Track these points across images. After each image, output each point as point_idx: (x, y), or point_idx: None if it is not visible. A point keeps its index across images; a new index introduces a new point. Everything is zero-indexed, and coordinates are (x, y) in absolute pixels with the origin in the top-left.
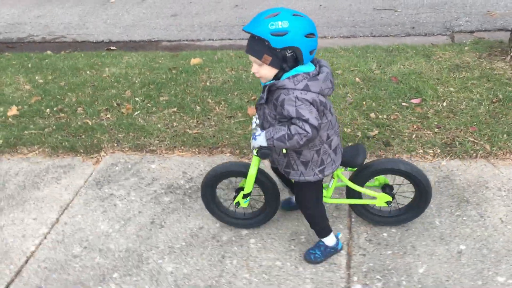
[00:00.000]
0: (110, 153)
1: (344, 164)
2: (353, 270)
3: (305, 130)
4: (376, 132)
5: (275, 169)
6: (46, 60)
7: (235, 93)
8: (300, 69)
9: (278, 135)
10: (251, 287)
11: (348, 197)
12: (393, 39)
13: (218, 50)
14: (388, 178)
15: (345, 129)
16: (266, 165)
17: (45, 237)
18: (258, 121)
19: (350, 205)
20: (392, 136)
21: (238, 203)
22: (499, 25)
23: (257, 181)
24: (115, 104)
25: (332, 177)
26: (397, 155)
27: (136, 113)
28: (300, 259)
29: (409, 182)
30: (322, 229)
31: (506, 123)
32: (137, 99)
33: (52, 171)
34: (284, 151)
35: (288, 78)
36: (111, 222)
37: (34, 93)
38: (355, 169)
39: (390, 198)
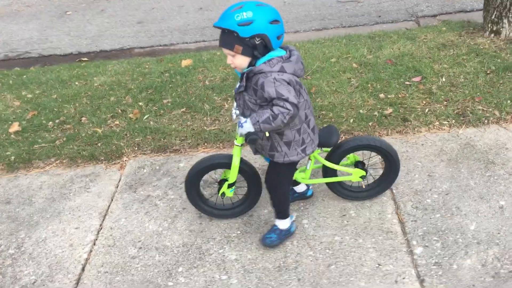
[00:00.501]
0: (132, 157)
1: (320, 145)
2: (410, 236)
3: (286, 108)
4: (391, 110)
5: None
6: (24, 76)
7: None
8: (273, 53)
9: (263, 118)
10: (318, 262)
11: (324, 176)
12: (363, 28)
13: (195, 52)
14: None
15: (360, 111)
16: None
17: (94, 244)
18: (237, 111)
19: (327, 184)
20: (406, 112)
21: (223, 194)
22: (457, 7)
23: (240, 170)
24: (119, 111)
25: (309, 158)
26: (416, 129)
27: (146, 116)
28: (357, 232)
29: (378, 156)
30: (284, 210)
31: (505, 90)
32: (140, 103)
33: (77, 181)
34: (267, 134)
35: (264, 63)
36: (158, 221)
37: (28, 109)
38: (329, 149)
39: (364, 173)
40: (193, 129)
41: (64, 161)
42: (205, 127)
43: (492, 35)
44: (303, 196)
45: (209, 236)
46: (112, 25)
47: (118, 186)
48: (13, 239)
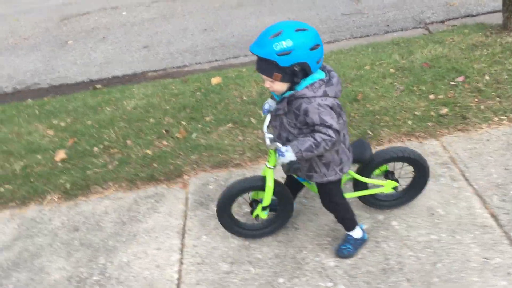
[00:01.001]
0: (193, 175)
1: (354, 161)
2: (507, 228)
3: (329, 135)
4: (446, 110)
5: (287, 177)
6: (47, 106)
7: None
8: (314, 77)
9: (305, 146)
10: (422, 262)
11: (355, 189)
12: (374, 38)
13: (216, 71)
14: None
15: (415, 112)
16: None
17: (181, 263)
18: (270, 136)
19: (359, 197)
20: (463, 110)
21: (257, 216)
22: (463, 12)
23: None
24: (163, 131)
25: None
26: (476, 125)
27: (194, 135)
28: (452, 229)
29: (408, 164)
30: (350, 221)
31: None
32: (182, 123)
33: (143, 203)
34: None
35: (306, 87)
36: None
37: (65, 137)
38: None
39: (396, 184)
40: (248, 143)
41: (123, 184)
42: (259, 140)
43: None
44: None
45: (300, 246)
46: (117, 51)
47: (187, 204)
48: (94, 265)
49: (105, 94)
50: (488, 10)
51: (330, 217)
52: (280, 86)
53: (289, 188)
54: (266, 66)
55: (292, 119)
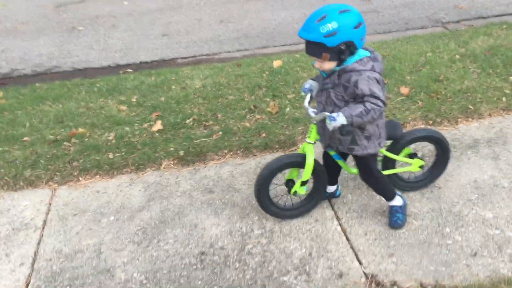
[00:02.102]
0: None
1: (387, 137)
2: None
3: (378, 105)
4: None
5: (325, 157)
6: (99, 85)
7: None
8: (361, 53)
9: (356, 112)
10: None
11: (384, 169)
12: (398, 34)
13: (245, 59)
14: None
15: (505, 91)
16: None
17: (337, 218)
18: (314, 110)
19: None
20: None
21: (295, 192)
22: (474, 14)
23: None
24: (252, 107)
25: None
26: None
27: (287, 109)
28: None
29: (432, 145)
30: (390, 191)
31: None
32: (266, 99)
33: None
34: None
35: (356, 61)
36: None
37: (142, 111)
38: (390, 142)
39: (423, 162)
40: None
41: (238, 152)
42: None
43: None
44: (332, 196)
45: (449, 201)
46: (135, 38)
47: None
48: (249, 221)
49: (158, 75)
50: (497, 14)
51: (471, 176)
52: (329, 65)
53: (327, 172)
54: (315, 48)
55: (340, 92)
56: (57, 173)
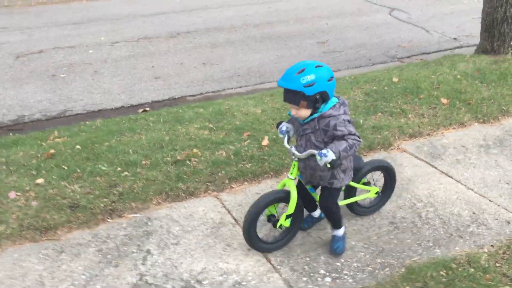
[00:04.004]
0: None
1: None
2: None
3: (357, 140)
4: None
5: (299, 188)
6: (161, 117)
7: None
8: (333, 101)
9: (342, 148)
10: None
11: (346, 197)
12: (366, 68)
13: (249, 94)
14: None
15: None
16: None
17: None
18: (295, 148)
19: (346, 204)
20: None
21: (280, 226)
22: (417, 51)
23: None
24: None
25: None
26: None
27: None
28: None
29: (381, 173)
30: (340, 221)
31: None
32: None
33: None
34: (328, 166)
35: (331, 108)
36: None
37: (232, 133)
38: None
39: (378, 189)
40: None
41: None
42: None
43: None
44: (320, 219)
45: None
46: (129, 82)
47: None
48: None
49: (203, 107)
50: (434, 50)
51: None
52: (305, 112)
53: (306, 200)
54: (294, 96)
55: (320, 135)
56: (208, 184)
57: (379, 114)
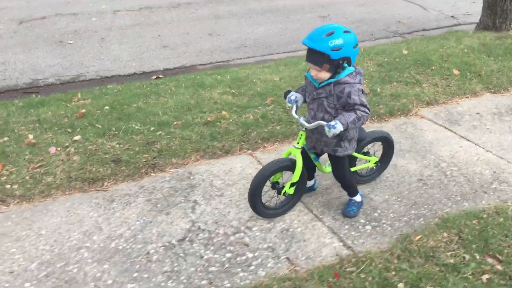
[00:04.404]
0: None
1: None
2: None
3: (367, 112)
4: None
5: (303, 156)
6: (164, 85)
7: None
8: (350, 69)
9: (350, 119)
10: None
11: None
12: (368, 43)
13: (250, 65)
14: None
15: None
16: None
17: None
18: (303, 118)
19: None
20: None
21: (285, 193)
22: (417, 27)
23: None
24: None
25: None
26: None
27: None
28: None
29: (381, 144)
30: (354, 188)
31: None
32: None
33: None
34: (333, 134)
35: (348, 75)
36: None
37: (255, 98)
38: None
39: (377, 159)
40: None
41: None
42: None
43: None
44: (311, 189)
45: None
46: (138, 50)
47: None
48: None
49: (221, 74)
50: (434, 27)
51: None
52: (325, 75)
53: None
54: (318, 58)
55: (333, 101)
56: (242, 143)
57: (395, 83)
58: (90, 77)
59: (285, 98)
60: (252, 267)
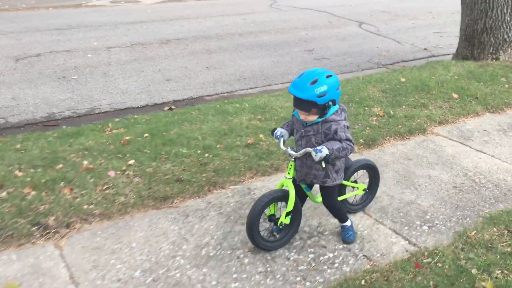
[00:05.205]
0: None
1: None
2: None
3: (352, 146)
4: None
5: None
6: (192, 113)
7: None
8: (336, 107)
9: (336, 147)
10: None
11: (337, 196)
12: (356, 73)
13: (257, 95)
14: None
15: None
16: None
17: None
18: (291, 148)
19: None
20: None
21: (281, 223)
22: (397, 59)
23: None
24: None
25: None
26: None
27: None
28: None
29: (367, 172)
30: (344, 215)
31: None
32: (376, 108)
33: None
34: (323, 165)
35: (334, 113)
36: None
37: (282, 122)
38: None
39: (365, 186)
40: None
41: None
42: None
43: (494, 60)
44: None
45: None
46: (143, 83)
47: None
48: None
49: (236, 103)
50: (411, 58)
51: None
52: (313, 117)
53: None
54: (306, 105)
55: (320, 138)
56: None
57: (403, 106)
58: (104, 110)
59: (272, 134)
60: (336, 264)
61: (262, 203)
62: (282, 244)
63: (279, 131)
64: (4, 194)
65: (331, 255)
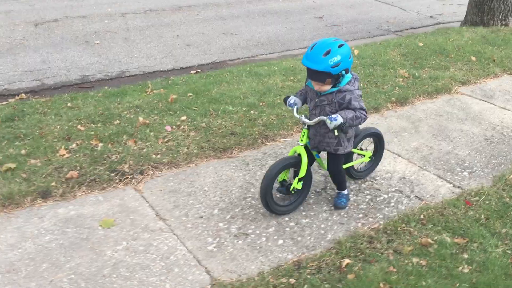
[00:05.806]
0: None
1: None
2: None
3: (365, 115)
4: None
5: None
6: (223, 75)
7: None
8: (349, 76)
9: (350, 116)
10: None
11: (344, 163)
12: (368, 39)
13: (279, 59)
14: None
15: None
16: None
17: None
18: (305, 116)
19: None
20: None
21: (293, 188)
22: (405, 26)
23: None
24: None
25: None
26: None
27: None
28: None
29: (372, 140)
30: (344, 184)
31: None
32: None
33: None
34: (336, 133)
35: (347, 83)
36: None
37: None
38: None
39: (371, 153)
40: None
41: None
42: None
43: (503, 26)
44: None
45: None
46: (165, 48)
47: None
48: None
49: (264, 66)
50: (419, 26)
51: None
52: (328, 87)
53: None
54: (320, 76)
55: (334, 107)
56: None
57: (426, 68)
58: (134, 73)
59: (285, 103)
60: (392, 204)
61: (275, 170)
62: (293, 209)
63: (293, 99)
64: (74, 145)
65: (386, 196)
